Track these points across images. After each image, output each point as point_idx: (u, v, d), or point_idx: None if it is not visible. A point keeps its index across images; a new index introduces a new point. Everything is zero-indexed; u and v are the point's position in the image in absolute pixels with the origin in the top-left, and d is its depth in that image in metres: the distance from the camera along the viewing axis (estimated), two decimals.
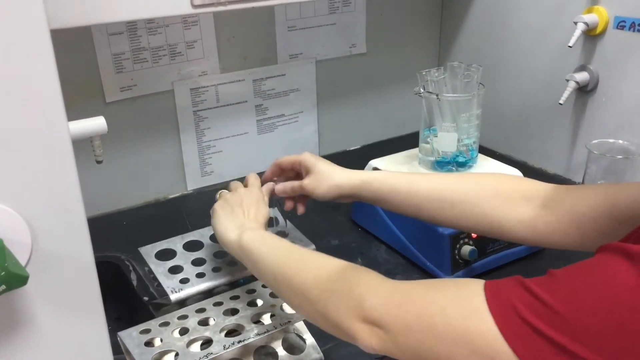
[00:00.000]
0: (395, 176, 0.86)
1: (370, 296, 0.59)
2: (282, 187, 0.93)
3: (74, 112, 0.55)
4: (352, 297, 0.61)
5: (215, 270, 0.93)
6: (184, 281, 0.91)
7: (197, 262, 0.95)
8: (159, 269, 0.94)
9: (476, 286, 0.54)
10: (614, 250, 0.49)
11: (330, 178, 0.88)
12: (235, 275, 0.93)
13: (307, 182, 0.90)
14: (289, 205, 0.95)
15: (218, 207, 0.87)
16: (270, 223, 0.93)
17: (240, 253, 0.79)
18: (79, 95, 1.14)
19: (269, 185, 0.95)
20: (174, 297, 0.88)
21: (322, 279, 0.65)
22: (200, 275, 0.92)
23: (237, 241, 0.79)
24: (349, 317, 0.60)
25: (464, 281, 0.57)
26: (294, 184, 0.92)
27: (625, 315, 0.45)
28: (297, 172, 0.94)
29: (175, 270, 0.94)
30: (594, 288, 0.48)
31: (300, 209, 0.96)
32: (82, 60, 1.14)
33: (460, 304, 0.54)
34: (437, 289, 0.58)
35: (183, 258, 0.96)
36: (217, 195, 0.92)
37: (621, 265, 0.47)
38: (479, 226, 0.79)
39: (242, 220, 0.83)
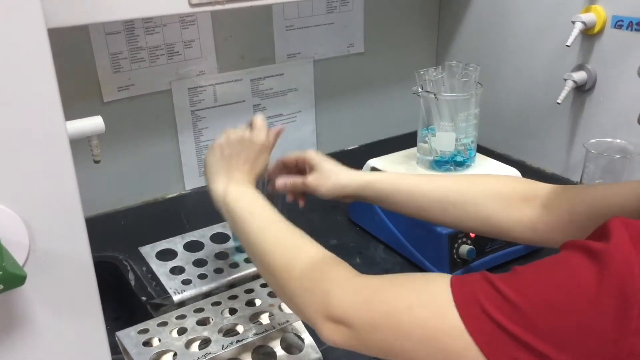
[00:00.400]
0: (398, 177, 0.86)
1: (336, 293, 0.59)
2: (283, 182, 0.92)
3: (71, 111, 0.55)
4: (318, 291, 0.61)
5: (217, 271, 0.93)
6: (186, 282, 0.91)
7: (198, 263, 0.95)
8: (160, 269, 0.94)
9: (443, 282, 0.54)
10: (576, 247, 0.50)
11: (334, 177, 0.88)
12: (237, 277, 0.93)
13: (311, 180, 0.89)
14: (290, 198, 0.95)
15: (217, 147, 0.84)
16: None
17: (223, 208, 0.78)
18: (77, 94, 1.14)
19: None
20: (176, 298, 0.88)
21: (293, 266, 0.65)
22: (202, 277, 0.92)
23: (222, 195, 0.79)
24: (314, 312, 0.61)
25: (431, 277, 0.58)
26: (296, 180, 0.91)
27: (585, 311, 0.46)
28: (299, 169, 0.94)
29: (177, 271, 0.94)
30: (555, 285, 0.48)
31: (301, 203, 0.95)
32: (79, 60, 1.14)
33: (426, 301, 0.54)
34: (405, 285, 0.58)
35: (184, 259, 0.96)
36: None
37: (582, 262, 0.48)
38: (481, 227, 0.80)
39: (233, 172, 0.82)
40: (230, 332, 0.80)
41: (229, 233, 1.03)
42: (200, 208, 1.30)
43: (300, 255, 0.66)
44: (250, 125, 0.89)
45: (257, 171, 0.85)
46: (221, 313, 0.83)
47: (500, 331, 0.49)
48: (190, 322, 0.81)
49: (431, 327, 0.53)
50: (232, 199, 0.78)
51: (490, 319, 0.49)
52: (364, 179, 0.87)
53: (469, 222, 0.80)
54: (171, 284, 0.90)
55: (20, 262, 0.52)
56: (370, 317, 0.56)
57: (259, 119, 0.89)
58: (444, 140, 1.06)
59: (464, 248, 0.99)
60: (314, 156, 0.91)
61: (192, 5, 0.82)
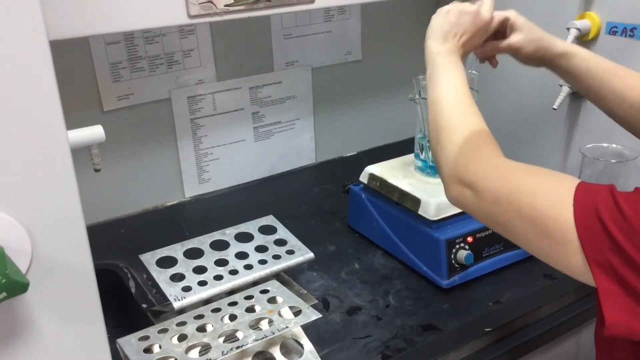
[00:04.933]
0: (595, 61, 0.89)
1: (476, 163, 0.70)
2: (483, 50, 0.93)
3: (71, 120, 0.56)
4: (463, 157, 0.71)
5: (217, 278, 0.93)
6: (186, 289, 0.91)
7: (198, 270, 0.96)
8: (161, 276, 0.94)
9: (570, 182, 0.61)
10: None
11: (538, 39, 0.90)
12: (237, 284, 0.93)
13: (515, 41, 0.90)
14: (481, 61, 0.97)
15: (444, 10, 0.89)
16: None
17: (430, 65, 0.85)
18: (77, 104, 1.15)
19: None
20: (177, 305, 0.88)
21: (455, 130, 0.75)
22: (202, 284, 0.92)
23: (434, 54, 0.85)
24: (451, 170, 0.72)
25: (562, 175, 0.65)
26: (498, 44, 0.92)
27: None
28: (497, 31, 0.93)
29: (177, 278, 0.94)
30: None
31: (494, 63, 0.98)
32: (79, 70, 1.15)
33: (550, 192, 0.61)
34: (535, 175, 0.66)
35: (184, 266, 0.97)
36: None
37: None
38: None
39: (450, 39, 0.86)
40: (230, 338, 0.81)
41: (229, 241, 1.03)
42: (200, 215, 1.30)
43: (464, 124, 0.75)
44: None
45: (472, 46, 0.89)
46: (221, 319, 0.84)
47: (604, 233, 0.55)
48: (190, 328, 0.82)
49: (546, 214, 0.60)
50: (439, 62, 0.83)
51: (599, 220, 0.56)
52: (565, 49, 0.90)
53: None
54: (171, 291, 0.91)
55: (23, 270, 0.53)
56: (497, 191, 0.65)
57: None
58: None
59: (462, 253, 1.00)
60: (517, 17, 0.91)
61: (190, 16, 0.83)
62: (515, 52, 0.91)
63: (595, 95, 0.91)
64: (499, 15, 0.91)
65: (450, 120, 0.77)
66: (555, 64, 0.91)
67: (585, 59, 0.89)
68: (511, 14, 0.91)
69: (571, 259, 0.58)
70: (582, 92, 0.93)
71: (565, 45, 0.91)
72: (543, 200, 0.61)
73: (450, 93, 0.80)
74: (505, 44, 0.92)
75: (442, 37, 0.86)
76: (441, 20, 0.88)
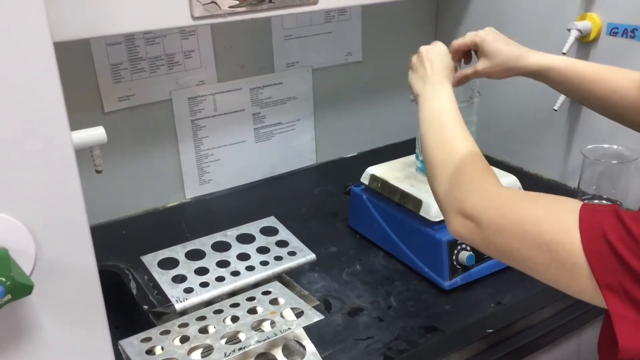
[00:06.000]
0: (571, 68, 0.90)
1: (474, 196, 0.68)
2: (456, 78, 0.94)
3: (72, 122, 0.56)
4: (461, 191, 0.70)
5: (219, 279, 0.93)
6: (188, 290, 0.91)
7: (200, 272, 0.95)
8: (162, 278, 0.94)
9: (573, 205, 0.60)
10: None
11: (505, 65, 0.91)
12: (239, 285, 0.93)
13: (481, 68, 0.93)
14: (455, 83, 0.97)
15: (412, 64, 0.91)
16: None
17: (419, 106, 0.84)
18: (78, 105, 1.15)
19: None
20: (179, 306, 0.88)
21: (448, 165, 0.73)
22: (204, 285, 0.92)
23: (420, 95, 0.85)
24: (451, 204, 0.71)
25: (563, 198, 0.63)
26: (466, 73, 0.94)
27: None
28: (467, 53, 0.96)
29: (178, 279, 0.94)
30: None
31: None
32: (80, 71, 1.15)
33: (554, 218, 0.60)
34: (536, 201, 0.65)
35: (186, 267, 0.96)
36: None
37: None
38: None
39: (426, 74, 0.87)
40: (232, 339, 0.81)
41: (230, 242, 1.03)
42: (200, 216, 1.30)
43: (454, 154, 0.74)
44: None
45: (445, 65, 0.88)
46: (223, 321, 0.84)
47: (614, 256, 0.54)
48: (192, 330, 0.82)
49: (552, 240, 0.59)
50: (423, 96, 0.84)
51: (608, 243, 0.55)
52: (537, 64, 0.90)
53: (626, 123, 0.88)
54: (173, 292, 0.91)
55: (27, 272, 0.53)
56: (499, 221, 0.65)
57: (438, 42, 0.93)
58: None
59: (464, 254, 1.00)
60: (485, 40, 0.92)
61: (194, 18, 0.83)
62: (487, 77, 0.93)
63: (582, 101, 0.93)
64: (467, 42, 0.94)
65: (438, 152, 0.76)
66: (534, 78, 0.92)
67: (560, 71, 0.89)
68: (478, 38, 0.93)
69: (582, 284, 0.57)
70: (571, 98, 0.94)
71: (537, 60, 0.90)
72: (548, 226, 0.60)
73: (430, 124, 0.79)
74: (472, 71, 0.94)
75: (420, 81, 0.87)
76: (415, 68, 0.90)
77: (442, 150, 0.76)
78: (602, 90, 0.87)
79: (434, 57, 0.88)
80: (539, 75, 0.91)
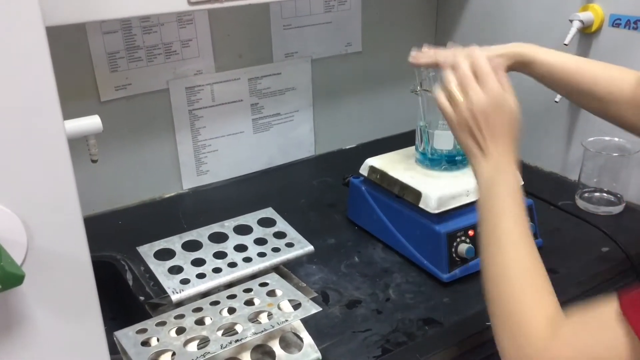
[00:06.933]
0: (553, 62, 0.90)
1: (528, 350, 0.62)
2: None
3: (68, 110, 0.55)
4: (516, 343, 0.63)
5: (216, 271, 0.93)
6: (185, 282, 0.90)
7: (196, 263, 0.95)
8: (159, 269, 0.94)
9: (616, 320, 0.57)
10: None
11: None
12: (236, 277, 0.93)
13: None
14: None
15: (448, 118, 0.74)
16: None
17: (482, 193, 0.72)
18: (74, 94, 1.14)
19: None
20: (175, 297, 0.87)
21: (503, 300, 0.66)
22: (200, 276, 0.91)
23: (484, 180, 0.72)
24: (507, 351, 0.64)
25: (604, 318, 0.59)
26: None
27: None
28: None
29: (175, 270, 0.93)
30: None
31: None
32: (76, 59, 1.13)
33: (605, 347, 0.58)
34: (586, 330, 0.60)
35: (182, 258, 0.96)
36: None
37: None
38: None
39: (485, 146, 0.73)
40: (229, 331, 0.80)
41: (227, 233, 1.02)
42: (198, 207, 1.29)
43: (527, 313, 0.64)
44: (475, 67, 0.78)
45: (513, 136, 0.79)
46: (220, 312, 0.83)
47: None
48: (188, 321, 0.81)
49: None
50: (489, 193, 0.71)
51: None
52: (519, 61, 0.91)
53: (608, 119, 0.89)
54: (169, 283, 0.90)
55: (18, 262, 0.52)
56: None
57: (485, 59, 0.78)
58: (442, 139, 1.06)
59: (463, 247, 0.99)
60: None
61: (191, 3, 0.82)
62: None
63: (567, 94, 0.94)
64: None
65: (496, 285, 0.68)
66: (523, 72, 0.92)
67: (544, 63, 0.90)
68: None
69: None
70: (556, 91, 0.93)
71: (516, 56, 0.92)
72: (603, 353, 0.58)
73: (494, 250, 0.71)
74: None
75: (479, 154, 0.73)
76: (461, 128, 0.74)
77: (499, 281, 0.68)
78: (584, 84, 0.88)
79: (495, 121, 0.74)
80: (525, 65, 0.92)
